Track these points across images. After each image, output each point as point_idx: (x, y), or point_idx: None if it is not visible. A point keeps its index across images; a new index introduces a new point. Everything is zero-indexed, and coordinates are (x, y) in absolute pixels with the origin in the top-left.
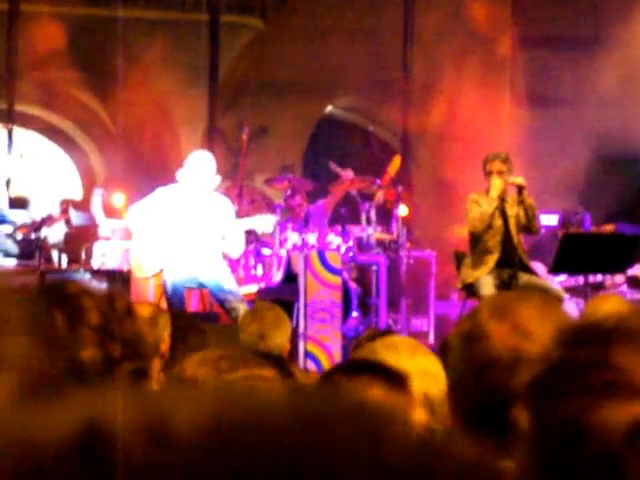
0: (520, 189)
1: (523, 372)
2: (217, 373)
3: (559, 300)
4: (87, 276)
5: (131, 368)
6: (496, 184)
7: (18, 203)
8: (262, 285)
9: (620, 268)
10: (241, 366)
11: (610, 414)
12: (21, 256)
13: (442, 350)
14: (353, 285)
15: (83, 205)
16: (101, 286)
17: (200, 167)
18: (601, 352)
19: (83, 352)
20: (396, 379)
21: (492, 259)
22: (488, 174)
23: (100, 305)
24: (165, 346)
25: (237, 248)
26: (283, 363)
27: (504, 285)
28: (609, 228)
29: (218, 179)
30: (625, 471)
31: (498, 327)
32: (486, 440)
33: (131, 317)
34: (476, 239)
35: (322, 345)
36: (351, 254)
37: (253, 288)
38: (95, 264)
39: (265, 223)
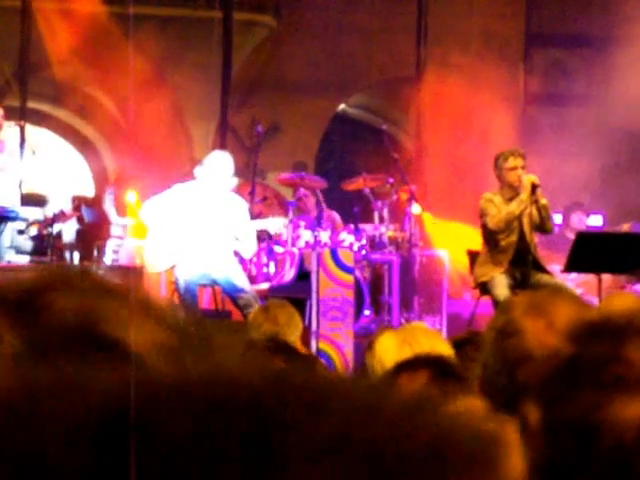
0: (534, 188)
1: None
2: None
3: None
4: (101, 272)
5: None
6: (526, 183)
7: (30, 200)
8: (274, 283)
9: (634, 267)
10: None
11: (622, 410)
12: (33, 253)
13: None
14: (366, 283)
15: (95, 202)
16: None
17: (218, 168)
18: (614, 347)
19: None
20: (444, 368)
21: (506, 258)
22: (510, 170)
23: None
24: None
25: (249, 248)
26: (309, 363)
27: (517, 284)
28: (625, 228)
29: (235, 180)
30: (636, 468)
31: (533, 324)
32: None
33: None
34: (490, 238)
35: (334, 343)
36: (364, 252)
37: (265, 286)
38: (107, 261)
39: (276, 225)
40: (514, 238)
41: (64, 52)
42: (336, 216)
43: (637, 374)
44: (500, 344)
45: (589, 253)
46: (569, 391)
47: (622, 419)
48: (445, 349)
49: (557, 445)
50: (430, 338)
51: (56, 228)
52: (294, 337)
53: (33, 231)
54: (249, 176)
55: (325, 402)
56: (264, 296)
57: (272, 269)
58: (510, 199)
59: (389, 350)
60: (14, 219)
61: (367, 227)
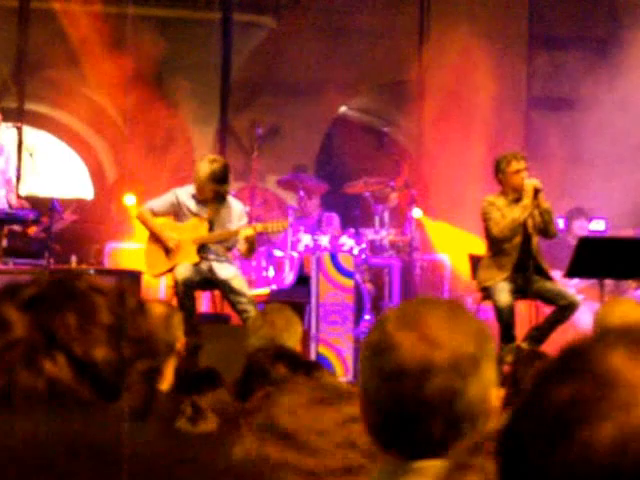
0: (536, 192)
1: (433, 382)
2: (311, 423)
3: (574, 306)
4: (97, 276)
5: (144, 367)
6: (529, 187)
7: (28, 202)
8: (274, 287)
9: (637, 273)
10: (332, 408)
11: (559, 390)
12: (30, 256)
13: None
14: (366, 287)
15: (94, 204)
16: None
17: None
18: (584, 346)
19: (95, 352)
20: None
21: (510, 261)
22: (514, 174)
23: (111, 302)
24: (180, 344)
25: (250, 249)
26: (310, 370)
27: (519, 290)
28: (628, 233)
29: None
30: None
31: (406, 337)
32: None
33: (143, 314)
34: (494, 241)
35: (334, 348)
36: (364, 256)
37: (265, 290)
38: (105, 264)
39: (277, 227)
40: (518, 240)
41: (62, 53)
42: (335, 219)
43: (586, 367)
44: (375, 360)
45: (591, 258)
46: (539, 376)
47: (554, 398)
48: None
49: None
50: None
51: (54, 231)
52: (293, 341)
53: (30, 233)
54: (249, 179)
55: None
56: (264, 301)
57: (271, 273)
58: (513, 201)
59: None
60: (11, 221)
61: (367, 231)
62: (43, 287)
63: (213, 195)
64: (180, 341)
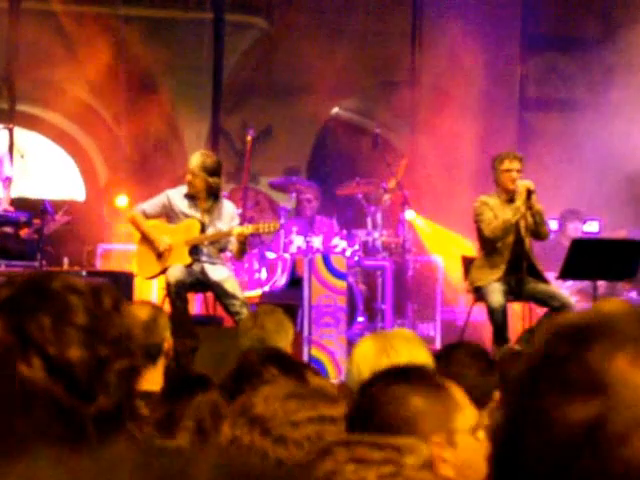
0: (529, 194)
1: None
2: (284, 414)
3: (567, 307)
4: (87, 277)
5: (121, 367)
6: (521, 189)
7: (20, 203)
8: (266, 289)
9: (630, 274)
10: (308, 406)
11: (572, 412)
12: (22, 257)
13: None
14: (359, 289)
15: (86, 206)
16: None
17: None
18: (577, 349)
19: (69, 353)
20: (436, 386)
21: (503, 260)
22: (504, 172)
23: (86, 302)
24: (168, 345)
25: (241, 250)
26: (301, 372)
27: (512, 292)
28: (621, 234)
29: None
30: (582, 464)
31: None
32: None
33: (119, 313)
34: (487, 241)
35: (326, 350)
36: (356, 258)
37: (257, 292)
38: (97, 266)
39: (269, 228)
40: (510, 239)
41: (54, 54)
42: (333, 222)
43: (591, 377)
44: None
45: (584, 260)
46: (533, 388)
47: (571, 420)
48: (424, 357)
49: (517, 439)
50: (410, 346)
51: (45, 232)
52: (284, 343)
53: (22, 235)
54: (241, 181)
55: None
56: (256, 302)
57: (264, 275)
58: (506, 201)
59: (366, 357)
60: (2, 223)
61: (360, 232)
62: (17, 288)
63: (205, 188)
64: (168, 342)
